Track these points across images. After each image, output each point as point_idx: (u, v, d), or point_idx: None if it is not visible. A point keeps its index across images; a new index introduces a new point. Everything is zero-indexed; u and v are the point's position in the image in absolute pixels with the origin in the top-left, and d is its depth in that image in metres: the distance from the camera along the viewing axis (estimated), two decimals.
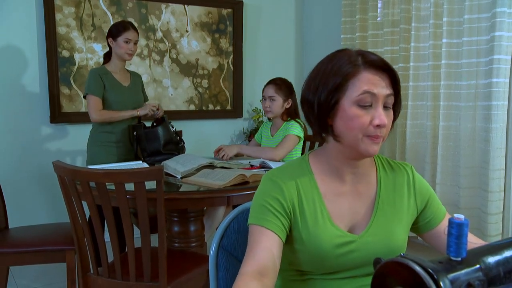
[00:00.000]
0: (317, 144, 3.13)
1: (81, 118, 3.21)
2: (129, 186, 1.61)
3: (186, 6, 3.67)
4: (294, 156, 2.59)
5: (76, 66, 3.30)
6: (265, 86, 2.69)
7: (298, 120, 2.66)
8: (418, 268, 0.56)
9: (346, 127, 0.95)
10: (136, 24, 2.99)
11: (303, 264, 1.00)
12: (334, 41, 3.75)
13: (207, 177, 2.07)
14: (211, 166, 2.33)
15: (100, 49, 3.36)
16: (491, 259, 0.61)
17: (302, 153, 2.73)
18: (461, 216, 0.60)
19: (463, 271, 0.58)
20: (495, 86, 2.48)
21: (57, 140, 3.31)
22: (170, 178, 2.18)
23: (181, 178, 2.14)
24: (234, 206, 1.64)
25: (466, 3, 2.61)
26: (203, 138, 3.80)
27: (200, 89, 3.82)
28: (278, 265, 0.93)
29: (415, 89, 3.05)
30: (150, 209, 1.65)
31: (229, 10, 3.85)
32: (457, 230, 0.59)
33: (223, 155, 2.54)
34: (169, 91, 3.68)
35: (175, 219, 2.21)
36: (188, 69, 3.74)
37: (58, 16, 3.20)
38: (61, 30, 3.22)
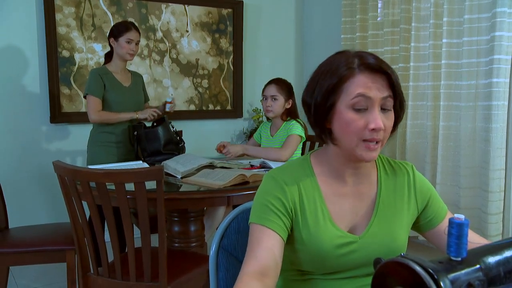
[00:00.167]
0: (317, 144, 3.13)
1: (81, 118, 3.21)
2: (129, 186, 1.61)
3: (186, 6, 3.67)
4: (294, 156, 2.59)
5: (76, 66, 3.30)
6: (266, 85, 2.69)
7: (298, 120, 2.66)
8: (418, 268, 0.56)
9: (342, 131, 0.95)
10: (136, 24, 2.99)
11: (304, 264, 1.00)
12: (334, 41, 3.75)
13: (207, 177, 2.07)
14: (211, 166, 2.33)
15: (100, 49, 3.36)
16: (492, 259, 0.61)
17: (303, 153, 2.73)
18: (462, 216, 0.60)
19: (463, 271, 0.58)
20: (495, 86, 2.48)
21: (57, 140, 3.31)
22: (170, 178, 2.18)
23: (181, 178, 2.14)
24: (234, 206, 1.64)
25: (466, 3, 2.61)
26: (203, 138, 3.81)
27: (200, 89, 3.82)
28: (280, 265, 0.92)
29: (415, 89, 3.05)
30: (150, 209, 1.65)
31: (229, 10, 3.85)
32: (457, 230, 0.59)
33: (228, 154, 2.54)
34: (169, 91, 3.68)
35: (175, 219, 2.21)
36: (188, 69, 3.75)
37: (58, 16, 3.20)
38: (61, 30, 3.22)
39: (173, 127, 2.74)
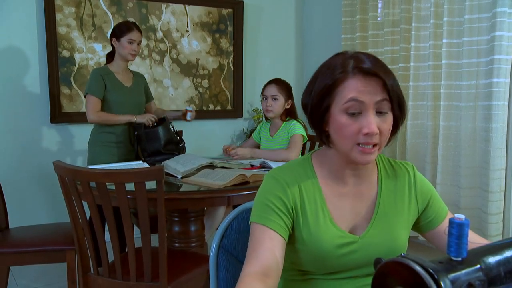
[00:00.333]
0: (317, 143, 3.13)
1: (82, 118, 3.21)
2: (130, 186, 1.61)
3: (186, 6, 3.67)
4: None
5: (77, 66, 3.30)
6: (266, 85, 2.69)
7: (299, 120, 2.66)
8: (418, 268, 0.56)
9: (336, 135, 0.95)
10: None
11: (305, 264, 1.00)
12: (334, 41, 3.75)
13: (207, 177, 2.07)
14: (211, 166, 2.33)
15: (100, 49, 3.36)
16: (492, 259, 0.61)
17: (303, 153, 2.73)
18: (462, 216, 0.60)
19: (463, 271, 0.58)
20: (496, 86, 2.48)
21: (57, 140, 3.31)
22: (171, 178, 2.18)
23: (182, 178, 2.14)
24: (235, 206, 1.64)
25: (467, 3, 2.61)
26: (203, 138, 3.81)
27: (200, 89, 3.82)
28: (281, 266, 0.92)
29: (415, 89, 3.05)
30: (151, 209, 1.65)
31: (230, 10, 3.85)
32: (457, 230, 0.59)
33: (235, 156, 2.55)
34: (169, 91, 3.68)
35: (176, 219, 2.21)
36: (188, 69, 3.75)
37: (58, 16, 3.20)
38: (61, 30, 3.22)
39: (173, 127, 2.74)
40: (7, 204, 2.39)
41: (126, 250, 1.72)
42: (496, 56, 2.46)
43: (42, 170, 3.23)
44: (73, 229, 1.82)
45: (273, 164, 2.31)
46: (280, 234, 0.94)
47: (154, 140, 2.61)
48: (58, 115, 3.25)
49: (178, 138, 2.75)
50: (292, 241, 1.00)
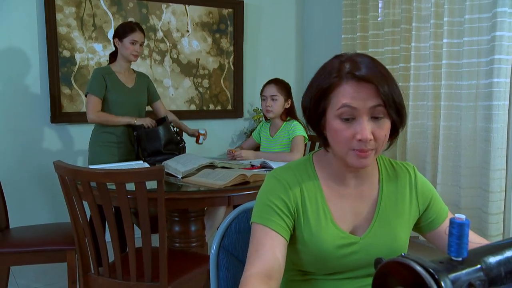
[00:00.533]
0: (317, 144, 3.13)
1: (82, 118, 3.21)
2: (130, 186, 1.61)
3: (186, 6, 3.67)
4: None
5: (77, 66, 3.30)
6: (265, 85, 2.69)
7: (299, 120, 2.66)
8: (419, 268, 0.56)
9: (332, 139, 0.96)
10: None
11: (305, 264, 1.00)
12: (334, 41, 3.75)
13: (207, 177, 2.07)
14: (211, 166, 2.33)
15: (100, 49, 3.36)
16: (492, 259, 0.61)
17: (304, 153, 2.73)
18: (462, 216, 0.60)
19: (464, 271, 0.58)
20: (496, 86, 2.48)
21: (57, 140, 3.31)
22: (171, 178, 2.18)
23: (182, 178, 2.14)
24: (235, 206, 1.64)
25: (467, 3, 2.61)
26: None
27: (200, 89, 3.82)
28: (283, 267, 0.92)
29: (415, 89, 3.05)
30: (151, 209, 1.65)
31: (230, 10, 3.85)
32: (458, 230, 0.59)
33: (239, 158, 2.55)
34: (169, 91, 3.68)
35: (176, 219, 2.22)
36: (188, 69, 3.75)
37: (58, 16, 3.20)
38: (61, 30, 3.22)
39: (173, 127, 2.74)
40: (8, 204, 2.39)
41: (127, 250, 1.72)
42: (496, 56, 2.46)
43: (42, 170, 3.23)
44: (74, 229, 1.82)
45: (274, 164, 2.31)
46: (281, 235, 0.94)
47: (155, 140, 2.61)
48: (59, 115, 3.25)
49: (179, 138, 2.75)
50: (293, 242, 1.00)
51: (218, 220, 2.57)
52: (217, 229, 1.15)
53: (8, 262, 2.15)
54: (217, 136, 3.88)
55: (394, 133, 0.98)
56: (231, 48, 3.91)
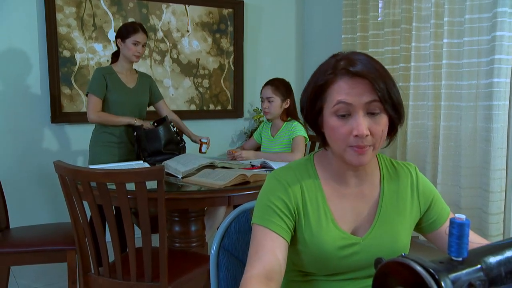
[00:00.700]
0: (317, 144, 3.13)
1: (82, 118, 3.21)
2: (130, 186, 1.61)
3: (187, 6, 3.67)
4: None
5: (77, 66, 3.30)
6: (263, 87, 2.69)
7: (299, 121, 2.66)
8: (419, 268, 0.56)
9: (329, 137, 0.96)
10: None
11: (306, 265, 1.00)
12: (334, 41, 3.75)
13: (207, 177, 2.07)
14: (212, 166, 2.33)
15: (101, 49, 3.36)
16: (493, 259, 0.60)
17: (304, 153, 2.73)
18: (463, 216, 0.60)
19: (464, 271, 0.58)
20: (496, 86, 2.48)
21: (58, 140, 3.31)
22: (171, 178, 2.18)
23: (182, 178, 2.14)
24: (235, 206, 1.64)
25: (467, 3, 2.61)
26: None
27: (201, 89, 3.82)
28: (284, 268, 0.92)
29: (416, 89, 3.05)
30: (151, 209, 1.65)
31: (230, 10, 3.85)
32: (458, 230, 0.59)
33: (239, 158, 2.55)
34: (169, 91, 3.68)
35: (176, 219, 2.21)
36: (189, 69, 3.75)
37: (59, 16, 3.20)
38: (62, 30, 3.22)
39: (173, 127, 2.74)
40: (8, 204, 2.39)
41: (127, 250, 1.72)
42: (496, 56, 2.45)
43: (42, 170, 3.23)
44: (74, 229, 1.82)
45: (274, 164, 2.31)
46: (282, 236, 0.94)
47: (155, 140, 2.61)
48: (59, 115, 3.25)
49: (179, 138, 2.75)
50: (294, 242, 0.99)
51: (218, 220, 2.57)
52: (217, 229, 1.15)
53: (8, 262, 2.15)
54: (217, 136, 3.87)
55: (392, 130, 0.97)
56: (231, 48, 3.91)
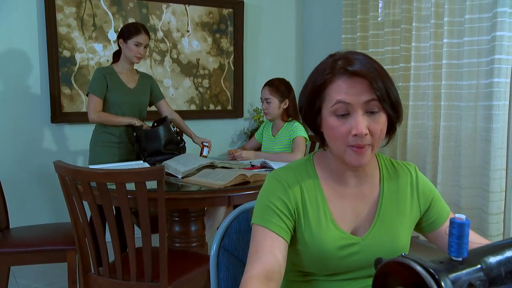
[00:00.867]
0: (317, 144, 3.13)
1: (82, 118, 3.21)
2: (130, 186, 1.61)
3: (187, 6, 3.67)
4: None
5: (77, 66, 3.30)
6: (262, 88, 2.69)
7: (300, 121, 2.66)
8: (419, 268, 0.56)
9: (328, 137, 0.96)
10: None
11: (306, 265, 1.00)
12: (334, 41, 3.75)
13: (207, 177, 2.07)
14: (212, 166, 2.33)
15: (101, 49, 3.36)
16: (493, 259, 0.60)
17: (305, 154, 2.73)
18: (463, 216, 0.60)
19: (464, 271, 0.58)
20: (496, 86, 2.48)
21: (58, 140, 3.31)
22: (171, 178, 2.18)
23: (182, 178, 2.14)
24: (235, 206, 1.64)
25: (467, 3, 2.61)
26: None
27: (201, 89, 3.82)
28: (284, 268, 0.92)
29: (416, 89, 3.05)
30: (151, 209, 1.65)
31: (230, 10, 3.85)
32: (458, 230, 0.59)
33: (239, 158, 2.56)
34: (170, 91, 3.68)
35: (176, 219, 2.21)
36: (189, 69, 3.75)
37: (59, 16, 3.20)
38: (62, 30, 3.22)
39: (173, 127, 2.74)
40: (8, 204, 2.39)
41: (127, 250, 1.72)
42: (496, 56, 2.46)
43: (42, 170, 3.23)
44: (74, 229, 1.82)
45: (274, 164, 2.31)
46: (282, 237, 0.94)
47: (155, 140, 2.61)
48: (59, 115, 3.25)
49: (179, 138, 2.75)
50: (293, 243, 0.99)
51: (218, 220, 2.57)
52: (217, 229, 1.15)
53: (8, 262, 2.15)
54: (217, 136, 3.87)
55: (391, 129, 0.97)
56: (231, 48, 3.91)
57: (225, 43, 3.88)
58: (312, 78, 0.97)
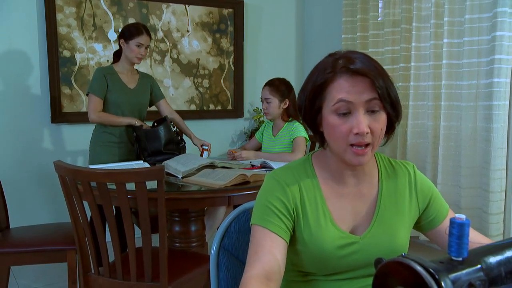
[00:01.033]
0: (317, 144, 3.12)
1: (82, 118, 3.21)
2: (130, 186, 1.61)
3: (187, 6, 3.67)
4: None
5: (77, 66, 3.30)
6: (262, 88, 2.70)
7: (300, 121, 2.66)
8: (419, 268, 0.56)
9: (329, 136, 0.96)
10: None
11: (306, 265, 1.00)
12: (335, 41, 3.75)
13: (208, 177, 2.07)
14: (212, 166, 2.33)
15: (101, 49, 3.36)
16: (493, 259, 0.61)
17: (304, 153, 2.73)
18: (463, 216, 0.60)
19: (464, 271, 0.58)
20: (496, 86, 2.48)
21: (58, 140, 3.31)
22: (171, 178, 2.18)
23: (182, 178, 2.14)
24: (235, 206, 1.64)
25: (467, 3, 2.61)
26: (204, 138, 3.78)
27: (201, 89, 3.82)
28: (283, 268, 0.92)
29: (416, 89, 3.05)
30: (151, 209, 1.65)
31: (230, 10, 3.85)
32: (458, 230, 0.59)
33: (240, 158, 2.55)
34: (170, 91, 3.68)
35: (176, 219, 2.21)
36: (189, 69, 3.75)
37: (59, 16, 3.20)
38: (62, 30, 3.22)
39: (174, 127, 2.74)
40: (8, 204, 2.39)
41: (127, 250, 1.72)
42: (496, 56, 2.46)
43: (42, 170, 3.23)
44: (74, 229, 1.82)
45: (274, 164, 2.31)
46: (281, 237, 0.94)
47: (155, 140, 2.61)
48: (59, 115, 3.25)
49: (179, 138, 2.75)
50: (293, 243, 0.99)
51: (218, 220, 2.57)
52: (217, 229, 1.15)
53: (8, 262, 2.15)
54: (217, 136, 3.88)
55: (390, 128, 0.97)
56: (231, 48, 3.91)
57: (225, 43, 3.88)
58: (312, 77, 0.97)
